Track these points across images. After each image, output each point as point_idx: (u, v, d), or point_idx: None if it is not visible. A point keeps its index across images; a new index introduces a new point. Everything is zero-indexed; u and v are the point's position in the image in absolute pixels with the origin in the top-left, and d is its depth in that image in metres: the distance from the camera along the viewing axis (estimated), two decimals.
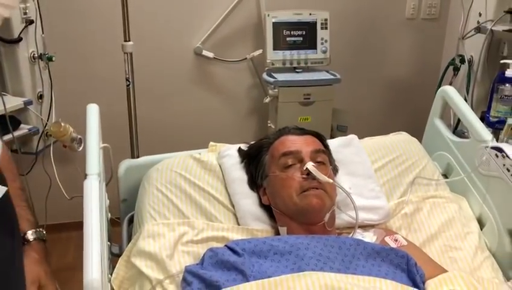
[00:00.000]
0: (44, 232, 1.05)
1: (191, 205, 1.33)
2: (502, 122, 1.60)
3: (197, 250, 1.22)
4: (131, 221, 1.49)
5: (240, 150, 1.42)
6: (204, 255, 1.14)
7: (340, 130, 2.64)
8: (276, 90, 2.41)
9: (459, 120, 2.13)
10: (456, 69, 2.39)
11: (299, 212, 1.20)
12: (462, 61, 2.33)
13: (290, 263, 1.08)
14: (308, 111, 2.47)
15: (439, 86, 2.53)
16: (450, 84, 2.51)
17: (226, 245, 1.15)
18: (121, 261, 1.24)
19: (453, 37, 2.67)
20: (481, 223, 1.41)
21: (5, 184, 0.85)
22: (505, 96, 1.69)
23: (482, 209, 1.41)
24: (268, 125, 2.58)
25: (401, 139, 1.58)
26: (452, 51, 2.60)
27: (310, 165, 1.20)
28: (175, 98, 2.63)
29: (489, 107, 1.75)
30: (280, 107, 2.43)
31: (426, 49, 2.88)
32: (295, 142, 1.28)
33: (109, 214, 1.36)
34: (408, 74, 2.91)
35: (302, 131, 1.34)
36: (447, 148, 1.55)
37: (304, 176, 1.20)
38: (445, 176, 1.55)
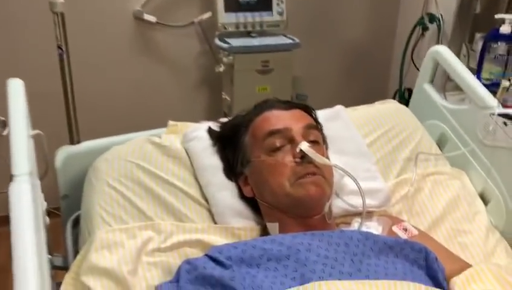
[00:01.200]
0: None
1: (154, 202, 1.06)
2: (496, 84, 1.44)
3: (166, 260, 0.98)
4: (75, 222, 1.21)
5: (210, 130, 1.16)
6: (179, 269, 0.89)
7: (300, 100, 2.44)
8: (231, 57, 2.15)
9: None
10: (425, 29, 2.22)
11: (293, 204, 0.97)
12: (432, 20, 2.16)
13: (290, 271, 0.86)
14: (266, 80, 2.26)
15: (406, 47, 2.38)
16: (415, 45, 2.37)
17: (206, 254, 0.90)
18: (67, 279, 0.96)
19: None
20: (484, 200, 1.25)
21: None
22: (499, 55, 1.52)
23: (485, 185, 1.24)
24: (223, 97, 2.33)
25: (391, 108, 1.37)
26: (410, 11, 2.44)
27: (304, 146, 0.97)
28: (113, 69, 2.30)
29: (479, 69, 1.58)
30: (236, 77, 2.19)
31: (382, 10, 2.70)
32: (282, 118, 1.03)
33: (47, 219, 1.07)
34: (364, 36, 2.72)
35: (287, 104, 1.09)
36: (441, 117, 1.37)
37: (298, 159, 0.97)
38: (439, 147, 1.38)
